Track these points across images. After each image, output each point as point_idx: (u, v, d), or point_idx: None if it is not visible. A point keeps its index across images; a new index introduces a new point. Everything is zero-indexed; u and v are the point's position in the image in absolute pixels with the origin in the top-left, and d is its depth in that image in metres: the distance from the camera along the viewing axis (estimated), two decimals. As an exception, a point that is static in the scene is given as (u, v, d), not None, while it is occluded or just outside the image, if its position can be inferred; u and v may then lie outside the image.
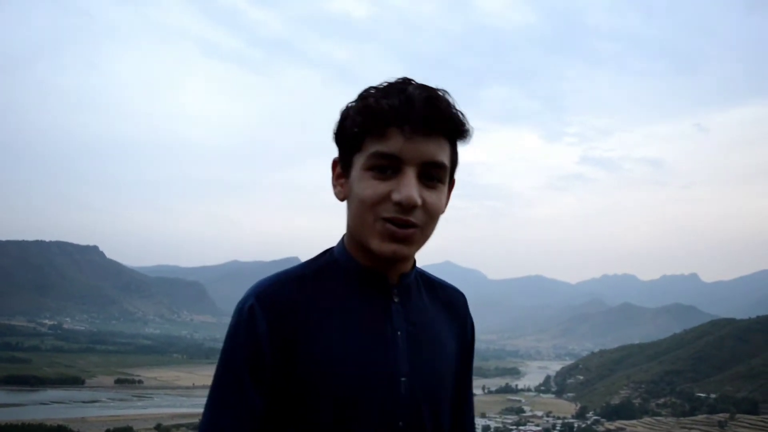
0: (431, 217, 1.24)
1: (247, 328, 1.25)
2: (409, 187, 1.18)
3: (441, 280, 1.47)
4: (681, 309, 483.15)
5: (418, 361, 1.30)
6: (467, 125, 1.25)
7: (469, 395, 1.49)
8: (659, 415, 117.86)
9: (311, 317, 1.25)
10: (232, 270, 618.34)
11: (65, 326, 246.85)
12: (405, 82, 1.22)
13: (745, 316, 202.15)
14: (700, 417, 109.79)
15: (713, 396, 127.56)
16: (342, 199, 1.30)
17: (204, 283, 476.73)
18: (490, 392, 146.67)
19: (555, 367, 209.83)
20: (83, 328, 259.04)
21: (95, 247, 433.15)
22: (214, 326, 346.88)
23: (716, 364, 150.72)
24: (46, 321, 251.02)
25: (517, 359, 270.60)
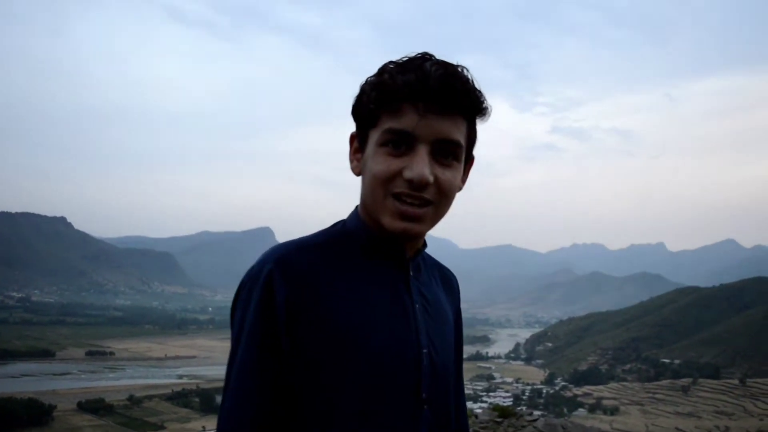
0: (445, 194, 1.23)
1: (264, 294, 1.21)
2: (421, 165, 1.18)
3: (438, 261, 1.53)
4: (648, 277, 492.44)
5: (433, 335, 1.31)
6: (485, 103, 1.25)
7: (461, 374, 1.52)
8: (625, 380, 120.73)
9: (333, 288, 1.23)
10: (202, 240, 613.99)
11: (33, 298, 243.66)
12: (423, 58, 1.21)
13: (708, 285, 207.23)
14: (664, 382, 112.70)
15: (677, 362, 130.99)
16: (357, 174, 1.30)
17: (174, 253, 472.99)
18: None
19: (524, 334, 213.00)
20: (52, 300, 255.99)
21: (62, 218, 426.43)
22: (185, 297, 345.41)
23: (680, 331, 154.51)
24: (14, 293, 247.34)
25: (488, 327, 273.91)
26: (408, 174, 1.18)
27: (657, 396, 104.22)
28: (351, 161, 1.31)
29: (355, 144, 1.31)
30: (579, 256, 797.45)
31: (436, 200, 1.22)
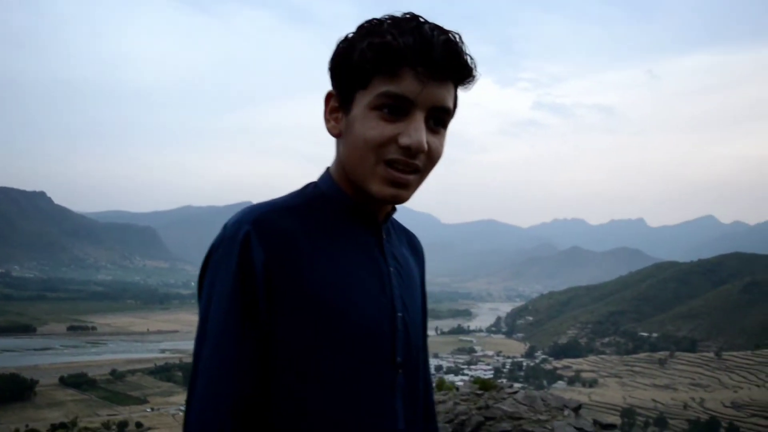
0: (432, 162, 1.20)
1: (242, 258, 1.12)
2: (419, 132, 1.13)
3: (402, 224, 1.48)
4: (627, 252, 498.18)
5: (407, 299, 1.30)
6: (476, 72, 1.20)
7: (426, 337, 1.50)
8: (604, 353, 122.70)
9: (311, 250, 1.17)
10: (184, 215, 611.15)
11: (14, 274, 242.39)
12: (417, 20, 1.15)
13: (687, 260, 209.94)
14: (642, 355, 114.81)
15: (655, 335, 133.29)
16: (336, 135, 1.22)
17: (156, 228, 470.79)
18: (443, 333, 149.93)
19: (506, 308, 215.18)
20: (32, 275, 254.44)
21: (42, 193, 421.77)
22: (167, 271, 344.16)
23: (658, 305, 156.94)
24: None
25: (470, 301, 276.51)
26: (406, 141, 1.12)
27: (635, 369, 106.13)
28: (327, 121, 1.22)
29: (333, 103, 1.22)
30: (560, 231, 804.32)
31: (424, 167, 1.18)
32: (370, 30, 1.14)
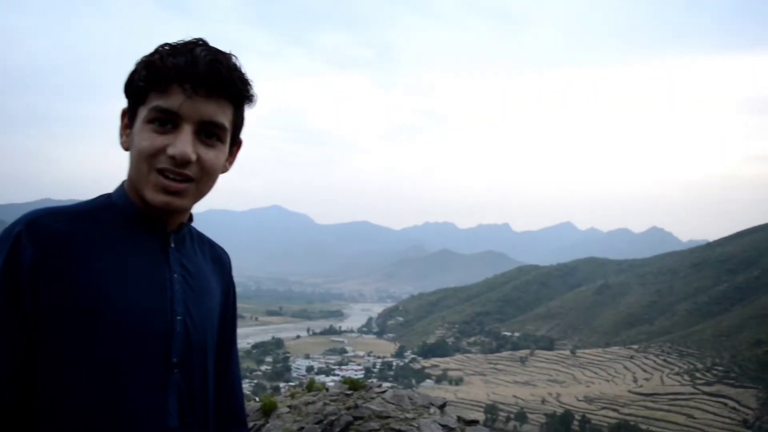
0: (207, 173, 1.29)
1: (9, 255, 1.21)
2: (184, 143, 1.23)
3: (210, 239, 1.55)
4: (493, 256, 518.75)
5: (191, 304, 1.35)
6: (250, 91, 1.31)
7: (234, 351, 1.57)
8: (469, 352, 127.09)
9: (86, 252, 1.25)
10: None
11: None
12: (195, 43, 1.27)
13: (547, 263, 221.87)
14: (505, 354, 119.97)
15: (517, 335, 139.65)
16: (126, 149, 1.32)
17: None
18: (314, 334, 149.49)
19: (377, 309, 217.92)
20: None
21: None
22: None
23: (521, 306, 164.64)
24: None
25: (342, 302, 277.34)
26: (171, 151, 1.22)
27: (498, 366, 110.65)
28: (120, 136, 1.33)
29: (125, 120, 1.32)
30: (431, 234, 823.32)
31: (198, 177, 1.27)
32: (152, 51, 1.27)
